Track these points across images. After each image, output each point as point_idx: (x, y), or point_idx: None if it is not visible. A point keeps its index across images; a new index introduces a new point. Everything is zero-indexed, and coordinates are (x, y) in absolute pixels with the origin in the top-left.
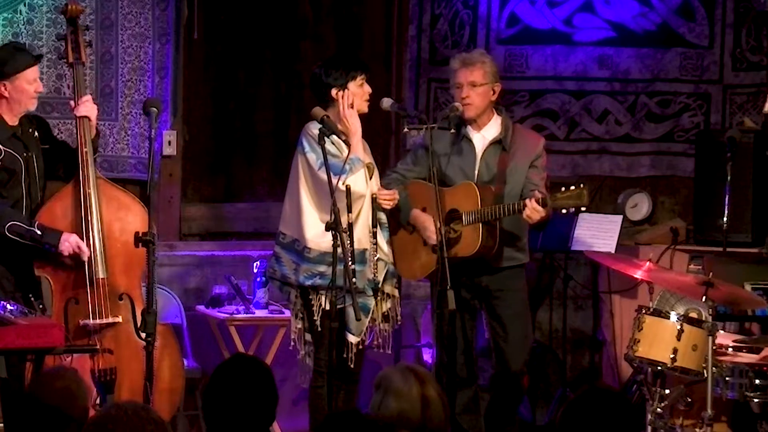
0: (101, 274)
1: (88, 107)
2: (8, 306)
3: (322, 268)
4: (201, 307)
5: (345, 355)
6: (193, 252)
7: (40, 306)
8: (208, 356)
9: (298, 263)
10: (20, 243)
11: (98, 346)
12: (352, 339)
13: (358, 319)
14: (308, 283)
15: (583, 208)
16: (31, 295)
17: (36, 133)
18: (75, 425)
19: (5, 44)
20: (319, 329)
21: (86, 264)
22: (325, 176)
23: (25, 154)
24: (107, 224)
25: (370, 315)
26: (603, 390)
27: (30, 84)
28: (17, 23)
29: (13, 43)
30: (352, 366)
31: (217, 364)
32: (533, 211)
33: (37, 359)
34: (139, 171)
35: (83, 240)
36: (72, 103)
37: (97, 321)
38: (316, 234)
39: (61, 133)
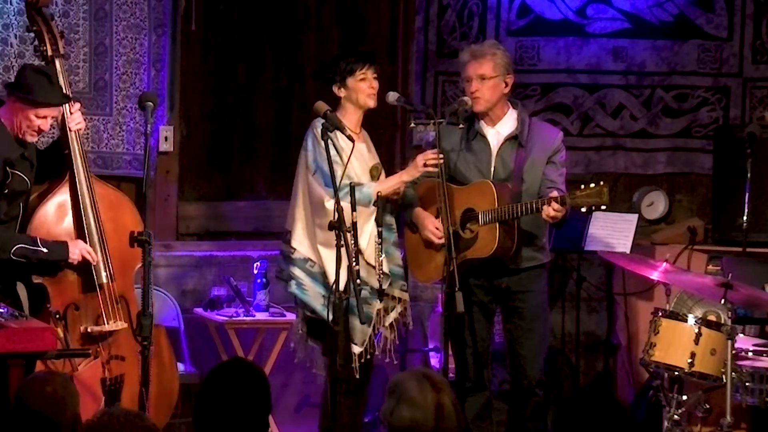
0: (104, 279)
1: (78, 118)
2: None
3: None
4: (199, 310)
5: (352, 365)
6: (191, 252)
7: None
8: (207, 361)
9: (326, 295)
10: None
11: (90, 352)
12: (356, 349)
13: (362, 323)
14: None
15: (603, 207)
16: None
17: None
18: None
19: (45, 70)
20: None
21: (90, 268)
22: (315, 183)
23: (31, 173)
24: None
25: (372, 323)
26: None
27: (38, 118)
28: (7, 14)
29: (51, 74)
30: (357, 376)
31: None
32: (552, 210)
33: (27, 364)
34: (135, 168)
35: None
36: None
37: (105, 327)
38: (300, 243)
39: None
